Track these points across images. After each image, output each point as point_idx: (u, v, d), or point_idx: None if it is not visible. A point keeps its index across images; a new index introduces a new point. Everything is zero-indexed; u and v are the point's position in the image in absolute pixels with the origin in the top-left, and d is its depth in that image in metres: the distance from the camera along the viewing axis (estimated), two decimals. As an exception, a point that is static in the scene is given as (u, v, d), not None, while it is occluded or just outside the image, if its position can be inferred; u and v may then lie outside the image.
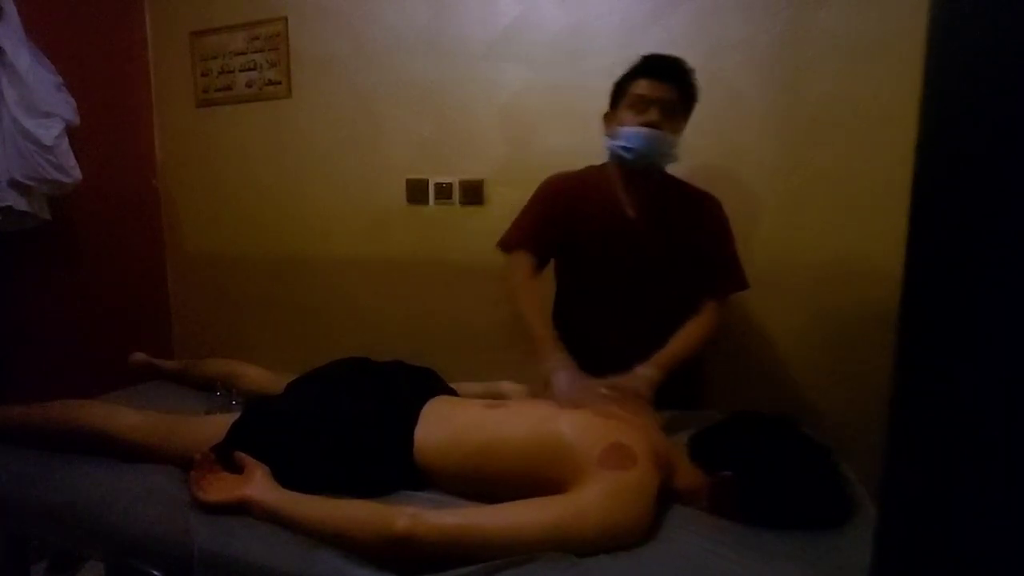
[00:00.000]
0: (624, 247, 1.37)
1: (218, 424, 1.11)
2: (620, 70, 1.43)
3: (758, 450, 0.95)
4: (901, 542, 0.39)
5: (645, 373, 1.22)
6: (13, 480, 1.10)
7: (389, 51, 2.00)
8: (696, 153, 1.72)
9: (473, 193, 1.96)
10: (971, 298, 0.33)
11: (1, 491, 1.09)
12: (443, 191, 2.00)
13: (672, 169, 1.43)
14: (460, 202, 1.98)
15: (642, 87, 1.30)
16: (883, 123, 1.54)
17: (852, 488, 0.99)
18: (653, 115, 1.28)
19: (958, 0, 0.34)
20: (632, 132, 1.29)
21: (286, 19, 2.11)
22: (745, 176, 1.70)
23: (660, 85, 1.29)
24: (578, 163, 1.53)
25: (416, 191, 2.04)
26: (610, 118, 1.38)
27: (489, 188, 1.94)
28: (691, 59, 1.67)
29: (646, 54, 1.34)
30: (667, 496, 0.97)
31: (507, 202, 1.92)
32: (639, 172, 1.35)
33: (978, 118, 0.33)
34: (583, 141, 1.81)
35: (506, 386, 1.32)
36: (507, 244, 1.46)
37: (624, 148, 1.31)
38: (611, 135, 1.35)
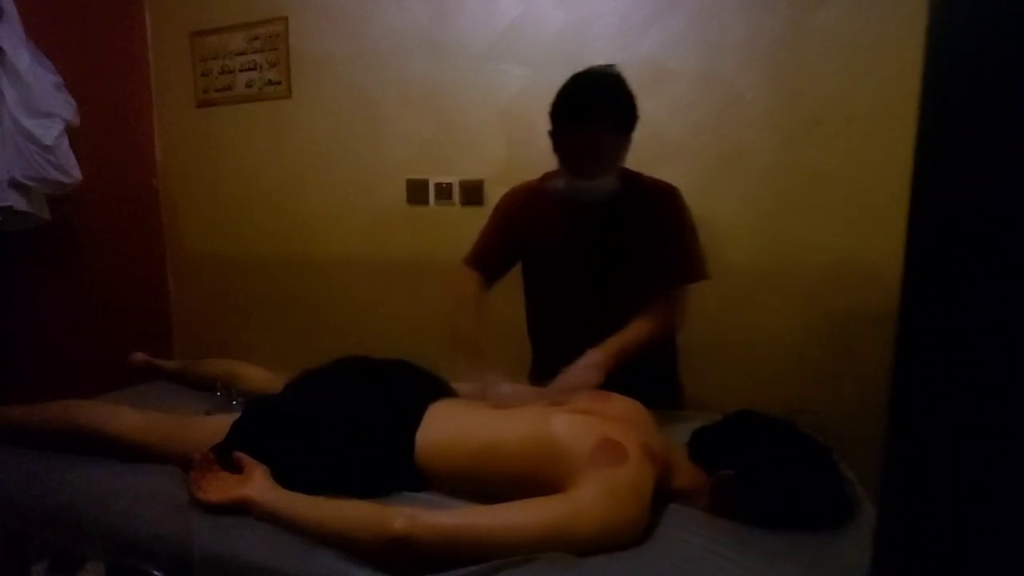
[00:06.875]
0: (584, 252, 1.34)
1: (218, 424, 1.11)
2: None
3: (758, 450, 0.95)
4: (900, 542, 0.39)
5: (593, 357, 1.20)
6: (13, 480, 1.09)
7: (389, 51, 2.00)
8: (696, 153, 1.72)
9: (473, 193, 1.96)
10: (970, 297, 0.33)
11: (1, 491, 1.09)
12: (443, 191, 2.00)
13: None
14: (460, 202, 1.99)
15: (568, 137, 1.20)
16: (882, 123, 1.55)
17: (852, 488, 0.99)
18: (587, 166, 1.20)
19: (958, 0, 0.34)
20: (571, 185, 1.24)
21: (286, 19, 2.11)
22: (744, 176, 1.70)
23: (587, 134, 1.17)
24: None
25: (416, 191, 2.04)
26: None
27: (489, 188, 1.94)
28: (691, 59, 1.69)
29: (570, 86, 1.19)
30: (666, 495, 0.97)
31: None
32: None
33: (977, 118, 0.33)
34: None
35: (504, 387, 1.32)
36: (467, 260, 1.46)
37: (566, 191, 1.27)
38: (557, 167, 1.28)
